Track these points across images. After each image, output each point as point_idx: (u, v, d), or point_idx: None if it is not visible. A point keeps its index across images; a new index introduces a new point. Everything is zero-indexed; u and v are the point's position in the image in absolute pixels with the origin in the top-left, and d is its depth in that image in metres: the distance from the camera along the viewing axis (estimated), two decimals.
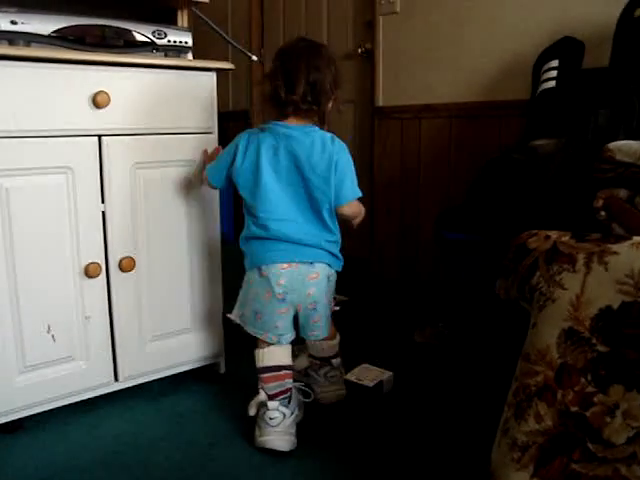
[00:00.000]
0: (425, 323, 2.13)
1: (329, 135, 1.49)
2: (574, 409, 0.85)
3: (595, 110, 1.58)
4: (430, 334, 2.03)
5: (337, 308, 1.63)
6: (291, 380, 1.52)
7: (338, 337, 1.68)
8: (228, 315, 1.58)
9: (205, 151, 1.67)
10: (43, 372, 1.49)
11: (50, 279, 1.46)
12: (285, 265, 1.44)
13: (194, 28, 1.85)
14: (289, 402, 1.50)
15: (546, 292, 0.95)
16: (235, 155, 1.47)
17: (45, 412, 1.53)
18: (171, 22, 1.81)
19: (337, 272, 1.56)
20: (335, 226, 1.52)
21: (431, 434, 1.51)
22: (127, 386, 1.65)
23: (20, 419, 1.49)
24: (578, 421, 0.84)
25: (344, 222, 1.58)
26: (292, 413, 1.49)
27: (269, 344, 1.51)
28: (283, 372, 1.51)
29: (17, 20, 1.38)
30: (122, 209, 1.55)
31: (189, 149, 1.65)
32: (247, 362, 1.89)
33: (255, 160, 1.45)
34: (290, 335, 1.52)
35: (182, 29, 1.68)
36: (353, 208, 1.54)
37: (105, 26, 1.53)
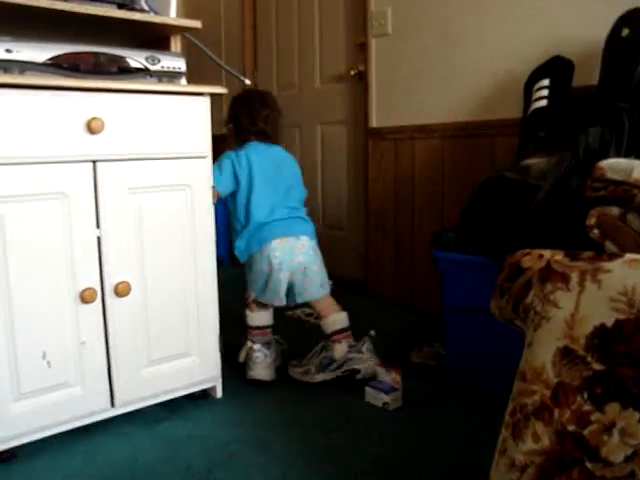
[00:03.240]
0: (422, 343, 2.12)
1: (283, 148, 2.10)
2: (571, 428, 0.85)
3: (586, 128, 1.60)
4: (427, 354, 2.03)
5: (330, 282, 2.04)
6: (271, 334, 2.02)
7: (345, 312, 2.01)
8: (246, 296, 2.00)
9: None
10: (38, 399, 1.48)
11: (46, 305, 1.46)
12: (278, 240, 1.90)
13: (188, 52, 1.87)
14: (269, 347, 1.97)
15: (541, 311, 0.95)
16: (234, 168, 1.94)
17: (40, 440, 1.52)
18: (165, 47, 1.82)
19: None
20: (303, 205, 2.08)
21: (434, 454, 1.51)
22: (123, 412, 1.64)
23: (14, 447, 1.48)
24: (576, 440, 0.84)
25: None
26: (271, 355, 1.97)
27: (260, 308, 1.99)
28: (267, 330, 2.01)
29: (12, 49, 1.39)
30: (117, 234, 1.56)
31: (183, 173, 1.66)
32: (244, 386, 1.90)
33: (248, 167, 1.94)
34: (284, 299, 1.95)
35: (175, 55, 1.70)
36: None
37: (99, 53, 1.54)
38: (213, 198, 1.74)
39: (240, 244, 1.96)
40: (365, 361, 1.91)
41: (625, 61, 1.79)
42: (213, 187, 1.80)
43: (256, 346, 1.95)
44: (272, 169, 1.98)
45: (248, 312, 2.00)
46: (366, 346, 1.94)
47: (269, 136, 2.03)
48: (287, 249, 1.90)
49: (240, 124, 2.02)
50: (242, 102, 2.06)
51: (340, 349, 1.93)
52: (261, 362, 1.93)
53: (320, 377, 1.94)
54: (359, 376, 1.90)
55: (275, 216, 1.93)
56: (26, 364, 1.45)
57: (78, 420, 1.56)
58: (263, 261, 1.90)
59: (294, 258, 1.91)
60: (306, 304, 2.06)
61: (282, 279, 1.90)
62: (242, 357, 1.98)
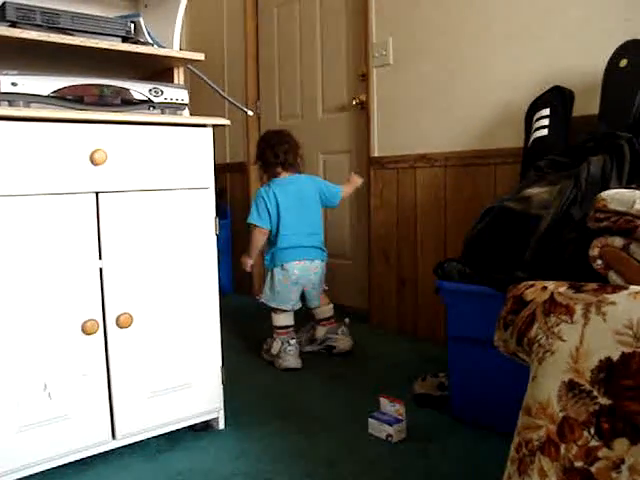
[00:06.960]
0: (425, 373, 2.10)
1: (309, 175, 2.63)
2: (578, 464, 0.84)
3: (587, 158, 1.60)
4: (431, 385, 2.01)
5: (326, 288, 2.60)
6: (293, 332, 2.51)
7: (331, 304, 2.61)
8: (258, 298, 2.59)
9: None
10: (39, 431, 1.46)
11: (47, 337, 1.45)
12: (297, 262, 2.44)
13: (191, 84, 1.89)
14: (295, 341, 2.44)
15: (545, 344, 0.94)
16: (266, 205, 2.45)
17: (40, 472, 1.50)
18: (168, 79, 1.84)
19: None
20: (321, 230, 2.58)
21: None
22: (124, 444, 1.63)
23: None
24: (583, 477, 0.83)
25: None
26: (297, 348, 2.44)
27: (283, 312, 2.48)
28: (290, 329, 2.50)
29: (17, 82, 1.40)
30: (119, 265, 1.55)
31: (186, 205, 1.67)
32: (246, 417, 1.88)
33: (275, 202, 2.44)
34: (299, 304, 2.52)
35: (178, 86, 1.71)
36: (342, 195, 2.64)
37: (103, 85, 1.55)
38: (216, 229, 1.75)
39: (268, 257, 2.53)
40: (340, 340, 2.53)
41: (624, 91, 1.81)
42: (255, 225, 2.46)
43: (291, 341, 2.43)
44: (295, 199, 2.47)
45: (273, 314, 2.52)
46: (341, 329, 2.55)
47: (292, 165, 2.51)
48: (304, 269, 2.47)
49: (266, 160, 2.50)
50: (263, 141, 2.57)
51: (320, 331, 2.58)
52: (293, 354, 2.41)
53: (308, 348, 2.60)
54: (335, 351, 2.53)
55: (297, 242, 2.45)
56: (27, 396, 1.44)
57: (79, 452, 1.54)
58: (282, 274, 2.46)
59: (309, 276, 2.48)
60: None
61: (295, 290, 2.48)
62: (275, 350, 2.44)
